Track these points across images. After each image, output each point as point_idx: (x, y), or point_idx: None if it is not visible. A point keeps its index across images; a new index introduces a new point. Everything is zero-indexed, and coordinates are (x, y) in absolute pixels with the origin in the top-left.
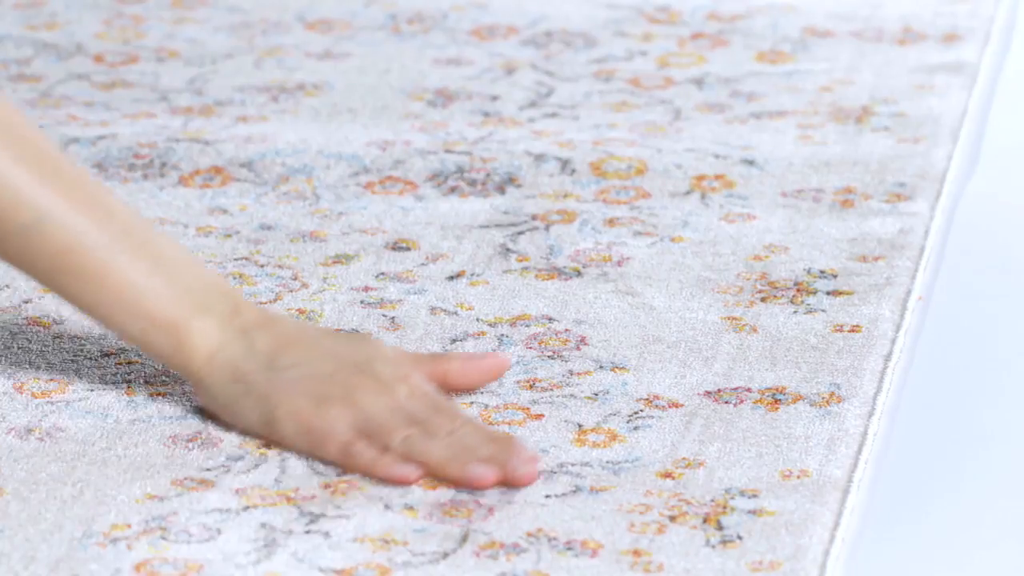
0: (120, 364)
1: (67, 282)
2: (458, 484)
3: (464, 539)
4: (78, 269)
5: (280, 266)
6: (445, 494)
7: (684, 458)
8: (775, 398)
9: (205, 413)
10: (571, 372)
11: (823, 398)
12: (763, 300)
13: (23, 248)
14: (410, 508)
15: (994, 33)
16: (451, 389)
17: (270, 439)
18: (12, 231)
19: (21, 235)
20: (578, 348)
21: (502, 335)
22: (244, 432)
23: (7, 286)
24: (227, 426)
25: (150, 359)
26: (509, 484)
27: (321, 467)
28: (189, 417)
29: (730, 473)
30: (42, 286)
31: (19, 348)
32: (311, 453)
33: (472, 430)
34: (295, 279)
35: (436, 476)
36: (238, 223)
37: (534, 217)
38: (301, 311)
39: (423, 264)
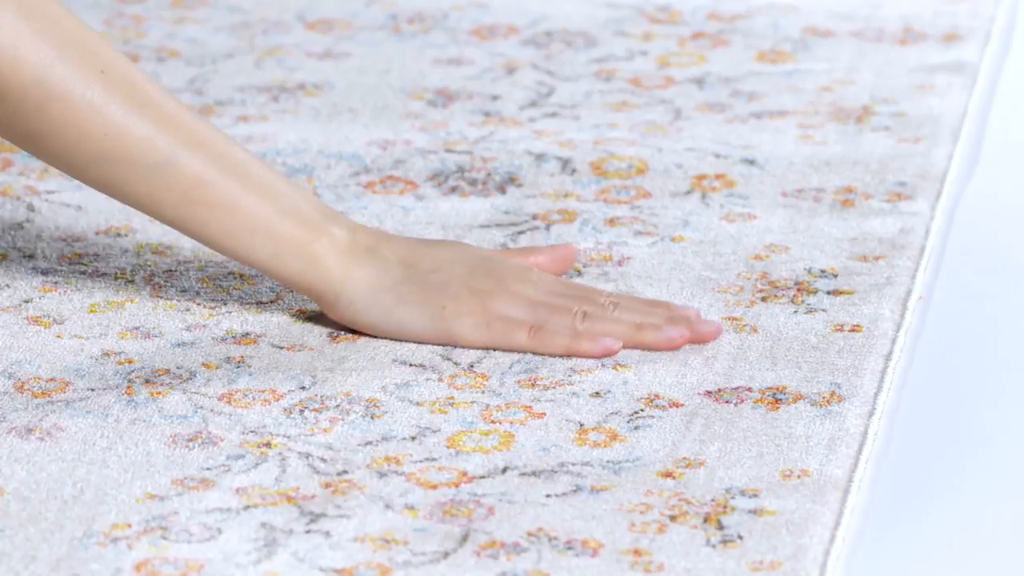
0: (121, 364)
1: (196, 213)
2: (655, 348)
3: (464, 539)
4: (208, 200)
5: None
6: (445, 494)
7: (685, 458)
8: (776, 398)
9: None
10: (573, 370)
11: (824, 398)
12: (764, 300)
13: (153, 185)
14: (410, 508)
15: (994, 33)
16: None
17: (443, 341)
18: (142, 171)
19: (153, 172)
20: None
21: None
22: (403, 338)
23: (7, 286)
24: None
25: (278, 285)
26: (697, 341)
27: (322, 466)
28: (189, 417)
29: (731, 473)
30: (165, 222)
31: (19, 348)
32: (496, 345)
33: (629, 299)
34: None
35: (630, 345)
36: None
37: (535, 217)
38: (302, 311)
39: None
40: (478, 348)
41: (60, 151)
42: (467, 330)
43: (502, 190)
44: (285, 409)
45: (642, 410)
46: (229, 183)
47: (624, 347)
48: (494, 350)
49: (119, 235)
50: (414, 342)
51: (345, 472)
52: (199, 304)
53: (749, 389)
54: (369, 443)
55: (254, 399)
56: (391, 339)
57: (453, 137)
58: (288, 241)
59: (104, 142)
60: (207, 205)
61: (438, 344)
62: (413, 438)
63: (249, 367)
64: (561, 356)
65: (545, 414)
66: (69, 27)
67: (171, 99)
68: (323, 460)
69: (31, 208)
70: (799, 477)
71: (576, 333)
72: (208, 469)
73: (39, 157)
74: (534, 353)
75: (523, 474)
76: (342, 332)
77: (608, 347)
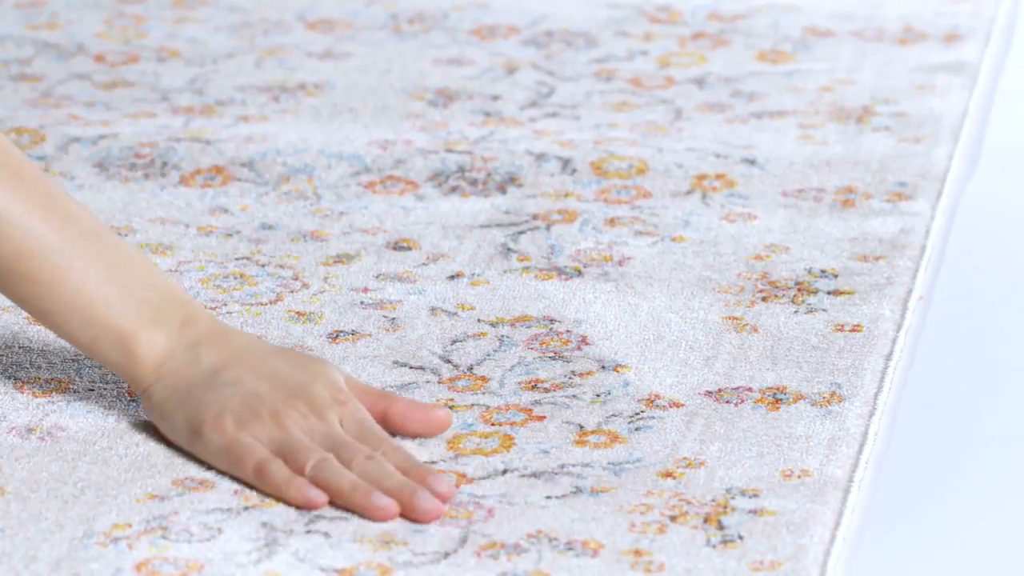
0: None
1: (20, 286)
2: (361, 513)
3: (464, 540)
4: (31, 274)
5: (281, 266)
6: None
7: (685, 458)
8: (776, 398)
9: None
10: (573, 372)
11: (824, 398)
12: (764, 300)
13: None
14: None
15: (995, 33)
16: (389, 430)
17: (195, 454)
18: None
19: None
20: (579, 348)
21: (503, 335)
22: (176, 446)
23: None
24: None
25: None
26: (411, 519)
27: None
28: None
29: (731, 473)
30: None
31: (20, 348)
32: (229, 471)
33: (393, 457)
34: (296, 279)
35: (341, 504)
36: (239, 223)
37: (535, 217)
38: (301, 313)
39: (423, 264)
40: (219, 469)
41: None
42: (211, 451)
43: (502, 190)
44: None
45: (643, 411)
46: (55, 258)
47: (336, 504)
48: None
49: (119, 235)
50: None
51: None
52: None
53: (749, 389)
54: None
55: None
56: (170, 441)
57: (453, 137)
58: (109, 330)
59: None
60: (29, 280)
61: (194, 455)
62: (414, 439)
63: None
64: (273, 497)
65: (545, 416)
66: None
67: (13, 152)
68: (240, 481)
69: None
70: (799, 477)
71: (289, 479)
72: (208, 469)
73: None
74: (257, 489)
75: (523, 476)
76: (342, 333)
77: (311, 499)
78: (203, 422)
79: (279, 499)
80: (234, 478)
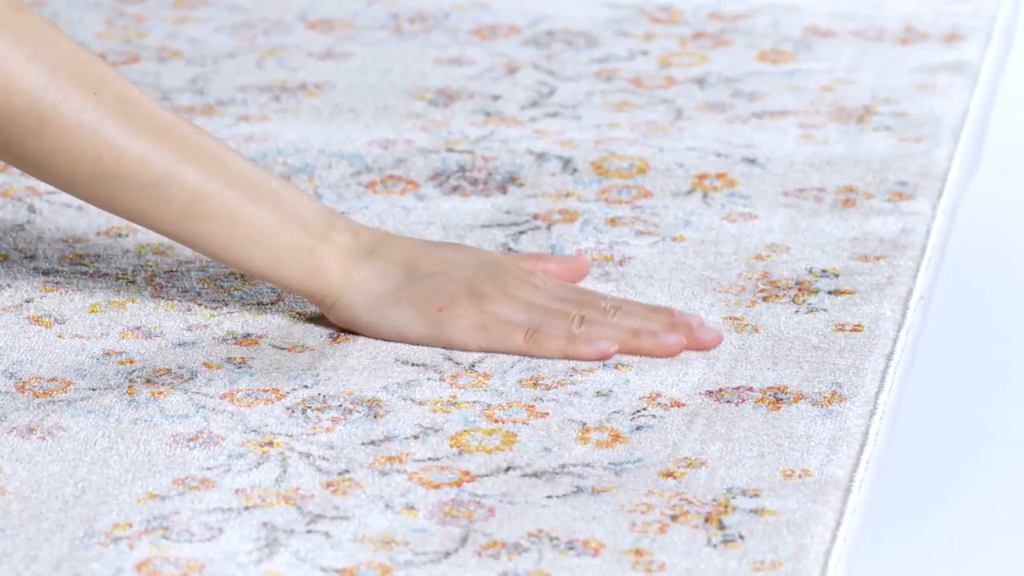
0: (122, 364)
1: (196, 227)
2: (651, 354)
3: (465, 539)
4: (208, 214)
5: None
6: (447, 493)
7: (686, 458)
8: (777, 397)
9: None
10: (574, 370)
11: (825, 397)
12: (765, 300)
13: (152, 202)
14: (411, 508)
15: (996, 33)
16: None
17: (438, 344)
18: (140, 188)
19: (152, 189)
20: None
21: None
22: (401, 340)
23: (9, 286)
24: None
25: (282, 290)
26: (696, 348)
27: (323, 465)
28: (190, 417)
29: (732, 472)
30: (166, 236)
31: (21, 348)
32: (492, 348)
33: (631, 305)
34: None
35: (626, 351)
36: None
37: (536, 216)
38: (301, 313)
39: None
40: (474, 351)
41: (58, 173)
42: (462, 333)
43: (503, 190)
44: (287, 408)
45: (644, 408)
46: (228, 194)
47: (621, 352)
48: (490, 353)
49: (120, 235)
50: (412, 344)
51: (347, 471)
52: (200, 304)
53: (750, 389)
54: (371, 443)
55: (256, 399)
56: (390, 341)
57: (454, 137)
58: (289, 249)
59: (101, 162)
60: (207, 219)
61: (435, 346)
62: (415, 437)
63: (250, 367)
64: (557, 358)
65: (548, 413)
66: (62, 49)
67: (168, 113)
68: (325, 459)
69: (32, 209)
70: (800, 477)
71: (572, 337)
72: (209, 469)
73: (39, 178)
74: (530, 356)
75: (524, 475)
76: (343, 333)
77: (603, 350)
78: (440, 311)
79: (564, 358)
80: (500, 352)
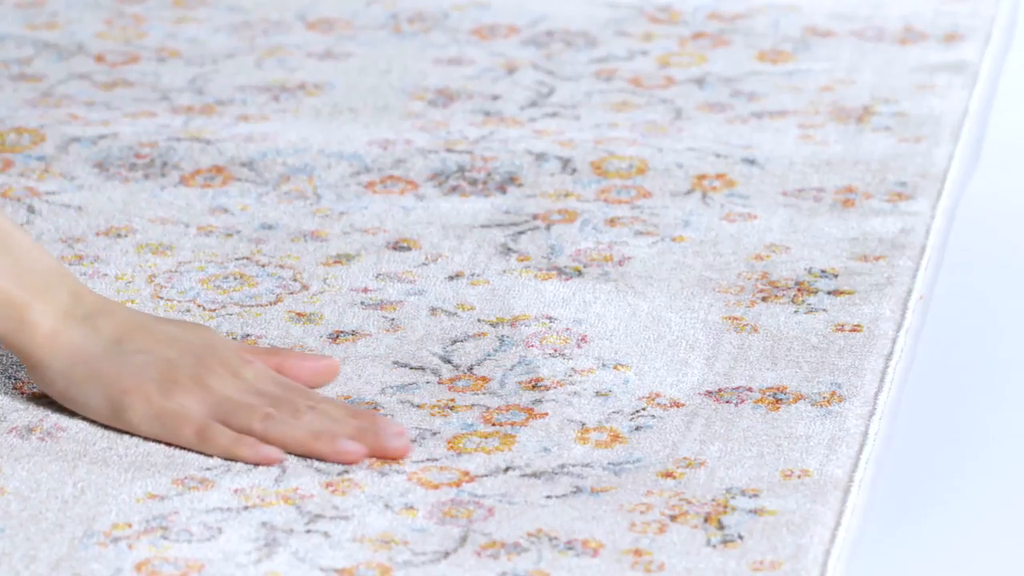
0: None
1: None
2: (328, 460)
3: (464, 539)
4: None
5: (281, 266)
6: (447, 493)
7: (685, 458)
8: (776, 398)
9: (43, 398)
10: (573, 370)
11: (824, 397)
12: (764, 300)
13: None
14: (410, 508)
15: (995, 33)
16: None
17: (116, 425)
18: None
19: None
20: (579, 346)
21: (503, 335)
22: (86, 416)
23: None
24: (68, 412)
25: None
26: (380, 457)
27: (323, 466)
28: None
29: (731, 473)
30: None
31: None
32: (164, 439)
33: (332, 406)
34: (295, 279)
35: (303, 454)
36: (239, 223)
37: (535, 216)
38: (301, 314)
39: (423, 264)
40: (151, 438)
41: None
42: (139, 420)
43: (503, 190)
44: None
45: (644, 408)
46: None
47: (296, 455)
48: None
49: (119, 236)
50: (97, 421)
51: (346, 472)
52: (199, 305)
53: (749, 389)
54: None
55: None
56: (81, 414)
57: (454, 137)
58: (1, 300)
59: None
60: None
61: (117, 428)
62: (413, 440)
63: None
64: (223, 458)
65: (547, 414)
66: None
67: None
68: (177, 446)
69: (32, 209)
70: (799, 477)
71: (238, 438)
72: (208, 469)
73: None
74: (202, 453)
75: (524, 475)
76: (343, 333)
77: (267, 456)
78: (124, 392)
79: (228, 459)
80: (171, 445)
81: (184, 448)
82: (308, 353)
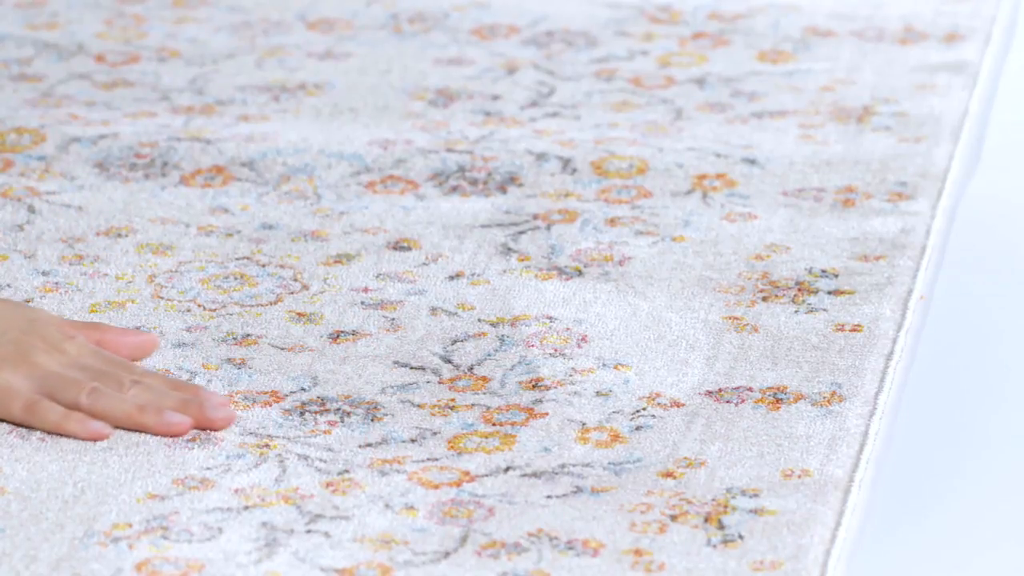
0: None
1: None
2: (154, 432)
3: (465, 539)
4: None
5: (281, 266)
6: (447, 493)
7: (685, 458)
8: (776, 397)
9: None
10: (574, 370)
11: (824, 397)
12: (764, 299)
13: None
14: (411, 508)
15: (995, 33)
16: None
17: None
18: None
19: None
20: (579, 346)
21: (503, 335)
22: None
23: (8, 286)
24: None
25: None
26: (204, 428)
27: (322, 466)
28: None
29: (731, 472)
30: None
31: None
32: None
33: (156, 380)
34: (296, 279)
35: (130, 427)
36: (239, 222)
37: (535, 216)
38: (301, 314)
39: (423, 264)
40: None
41: None
42: None
43: (503, 190)
44: (285, 411)
45: (644, 408)
46: None
47: (124, 427)
48: None
49: (120, 236)
50: None
51: (346, 472)
52: (199, 305)
53: (750, 389)
54: (369, 445)
55: (254, 401)
56: None
57: (454, 137)
58: None
59: None
60: None
61: None
62: (413, 440)
63: (250, 368)
64: (51, 433)
65: (548, 413)
66: None
67: None
68: (323, 461)
69: (32, 209)
70: (800, 477)
71: (66, 414)
72: (208, 469)
73: None
74: (30, 427)
75: (524, 475)
76: (343, 333)
77: (96, 431)
78: None
79: (58, 434)
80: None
81: (12, 424)
82: (130, 329)
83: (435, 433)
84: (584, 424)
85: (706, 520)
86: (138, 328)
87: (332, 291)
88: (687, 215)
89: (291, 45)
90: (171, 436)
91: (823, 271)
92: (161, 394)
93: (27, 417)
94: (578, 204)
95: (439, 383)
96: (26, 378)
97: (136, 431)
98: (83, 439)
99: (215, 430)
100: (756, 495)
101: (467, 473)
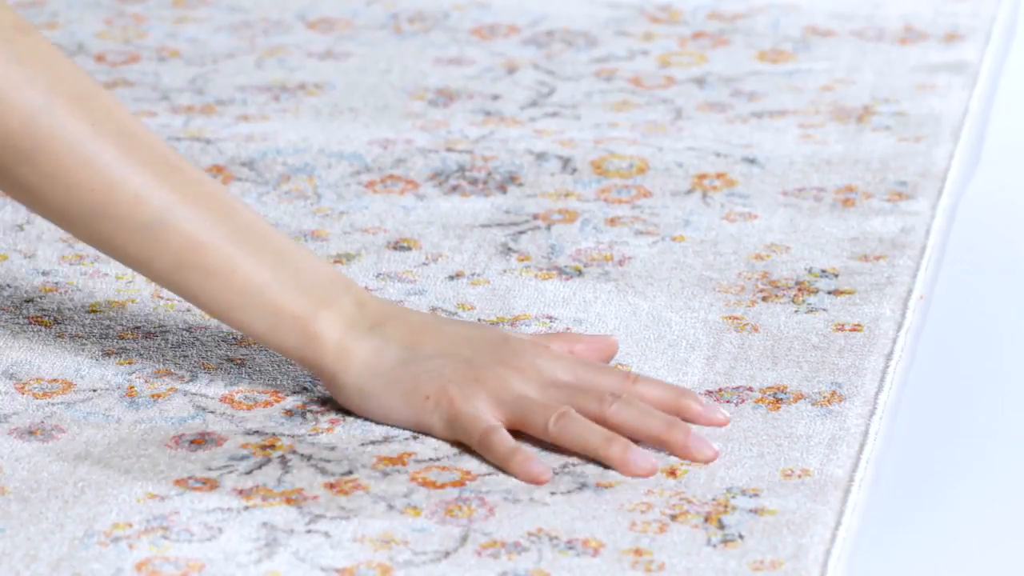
0: (122, 364)
1: (190, 278)
2: (618, 471)
3: (465, 539)
4: (202, 265)
5: None
6: (449, 493)
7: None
8: (776, 397)
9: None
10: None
11: (824, 397)
12: (764, 299)
13: (145, 246)
14: (412, 507)
15: (995, 32)
16: None
17: (420, 431)
18: (134, 229)
19: (143, 232)
20: None
21: None
22: (391, 424)
23: (8, 286)
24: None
25: (276, 354)
26: (684, 458)
27: (324, 466)
28: (191, 418)
29: (731, 472)
30: (160, 285)
31: (21, 348)
32: (461, 440)
33: (647, 388)
34: None
35: (594, 460)
36: None
37: (535, 216)
38: None
39: (423, 264)
40: (456, 443)
41: (50, 204)
42: (438, 424)
43: (503, 189)
44: (286, 411)
45: None
46: (227, 247)
47: (588, 459)
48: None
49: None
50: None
51: (349, 472)
52: None
53: (750, 389)
54: (371, 443)
55: (255, 401)
56: (382, 424)
57: (454, 136)
58: (287, 314)
59: (93, 196)
60: (203, 270)
61: (421, 433)
62: (415, 438)
63: (250, 368)
64: (497, 468)
65: None
66: (64, 76)
67: (173, 154)
68: (326, 460)
69: None
70: (800, 477)
71: (512, 450)
72: (210, 469)
73: (32, 210)
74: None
75: None
76: None
77: (535, 476)
78: (426, 398)
79: (502, 470)
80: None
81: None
82: (595, 336)
83: None
84: None
85: (706, 520)
86: (606, 335)
87: None
88: (687, 215)
89: (291, 45)
90: (633, 476)
91: (823, 271)
92: (643, 413)
93: (480, 449)
94: (578, 204)
95: None
96: (496, 405)
97: (603, 465)
98: (523, 480)
99: (695, 461)
100: (756, 495)
101: (468, 472)
